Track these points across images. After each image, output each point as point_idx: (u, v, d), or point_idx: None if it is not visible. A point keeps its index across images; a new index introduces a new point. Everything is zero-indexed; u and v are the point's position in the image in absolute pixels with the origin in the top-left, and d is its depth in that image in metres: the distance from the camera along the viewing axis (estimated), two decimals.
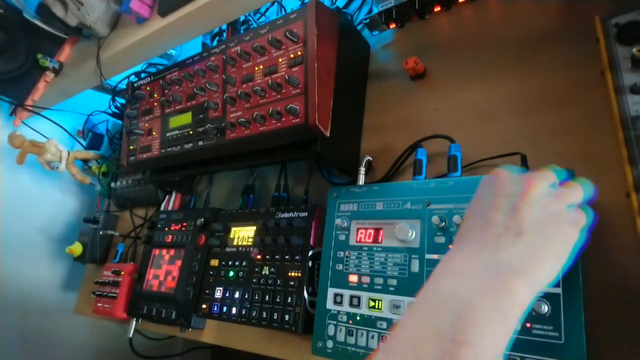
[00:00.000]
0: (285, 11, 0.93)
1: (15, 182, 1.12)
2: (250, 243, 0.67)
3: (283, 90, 0.58)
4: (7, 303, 1.06)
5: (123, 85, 1.07)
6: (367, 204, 0.56)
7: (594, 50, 0.48)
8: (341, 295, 0.53)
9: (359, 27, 0.77)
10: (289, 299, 0.58)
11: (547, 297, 0.40)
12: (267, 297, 0.60)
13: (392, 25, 0.72)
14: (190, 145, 0.70)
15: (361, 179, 0.61)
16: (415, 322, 0.30)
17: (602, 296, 0.42)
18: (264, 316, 0.59)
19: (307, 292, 0.58)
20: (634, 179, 0.40)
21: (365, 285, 0.52)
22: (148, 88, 0.81)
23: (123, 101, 1.14)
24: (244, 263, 0.66)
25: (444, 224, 0.48)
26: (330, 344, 0.52)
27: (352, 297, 0.52)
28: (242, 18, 0.92)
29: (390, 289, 0.50)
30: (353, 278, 0.53)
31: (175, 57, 1.19)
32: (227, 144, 0.64)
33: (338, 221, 0.57)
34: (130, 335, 0.84)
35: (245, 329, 0.69)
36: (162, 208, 0.93)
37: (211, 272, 0.70)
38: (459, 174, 0.52)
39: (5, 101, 1.04)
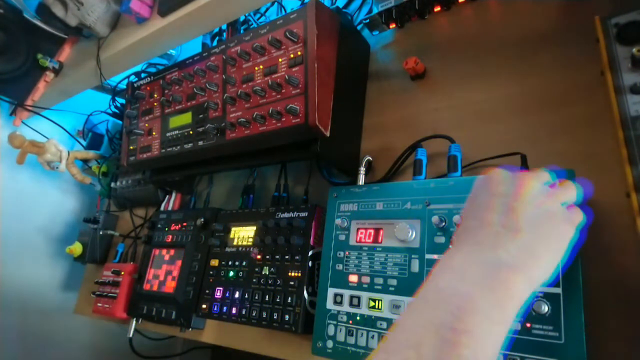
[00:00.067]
0: (285, 11, 0.93)
1: (15, 182, 1.13)
2: (250, 243, 0.67)
3: (283, 90, 0.58)
4: (7, 303, 1.06)
5: (123, 85, 1.07)
6: (367, 204, 0.56)
7: (594, 50, 0.48)
8: (341, 295, 0.53)
9: (359, 27, 0.77)
10: (289, 299, 0.58)
11: (547, 297, 0.40)
12: (267, 297, 0.60)
13: (392, 25, 0.72)
14: (190, 145, 0.70)
15: (361, 179, 0.61)
16: (415, 319, 0.30)
17: (602, 296, 0.42)
18: (264, 316, 0.59)
19: (307, 292, 0.58)
20: (634, 179, 0.40)
21: (365, 285, 0.52)
22: (148, 88, 0.81)
23: (123, 101, 1.14)
24: (244, 263, 0.66)
25: (444, 224, 0.48)
26: (330, 344, 0.52)
27: (352, 297, 0.52)
28: (242, 18, 0.92)
29: (390, 289, 0.50)
30: (353, 278, 0.53)
31: (175, 57, 1.19)
32: (227, 144, 0.64)
33: (338, 221, 0.57)
34: (130, 335, 0.84)
35: (245, 329, 0.69)
36: (162, 208, 0.93)
37: (211, 272, 0.70)
38: (459, 174, 0.52)
39: (5, 101, 1.04)
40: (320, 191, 0.70)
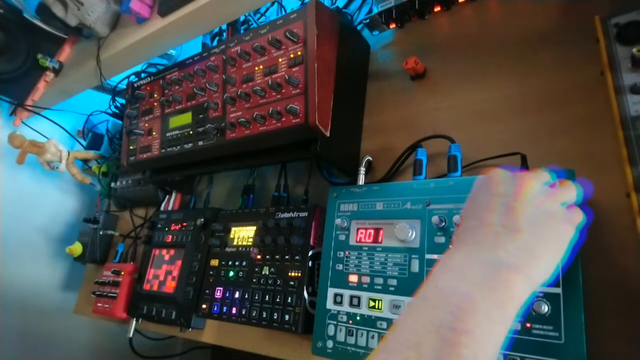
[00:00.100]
0: (285, 11, 0.93)
1: (15, 182, 1.12)
2: (250, 243, 0.67)
3: (283, 90, 0.58)
4: (7, 303, 1.06)
5: (123, 85, 1.07)
6: (367, 204, 0.56)
7: (594, 50, 0.48)
8: (341, 295, 0.53)
9: (359, 27, 0.77)
10: (289, 299, 0.58)
11: (547, 297, 0.40)
12: (267, 297, 0.60)
13: (392, 25, 0.72)
14: (190, 145, 0.70)
15: (361, 179, 0.61)
16: (415, 319, 0.30)
17: (602, 296, 0.42)
18: (264, 316, 0.60)
19: (307, 292, 0.58)
20: (634, 179, 0.40)
21: (365, 285, 0.52)
22: (148, 88, 0.81)
23: (123, 101, 1.14)
24: (244, 263, 0.66)
25: (444, 224, 0.48)
26: (330, 344, 0.52)
27: (352, 297, 0.52)
28: (242, 18, 0.92)
29: (390, 289, 0.50)
30: (353, 278, 0.53)
31: (175, 57, 1.19)
32: (227, 144, 0.64)
33: (338, 221, 0.57)
34: (130, 335, 0.84)
35: (245, 329, 0.69)
36: (162, 208, 0.93)
37: (211, 272, 0.70)
38: (459, 174, 0.52)
39: (5, 101, 1.04)
40: (320, 191, 0.70)
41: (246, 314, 0.62)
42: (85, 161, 1.15)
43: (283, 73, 0.59)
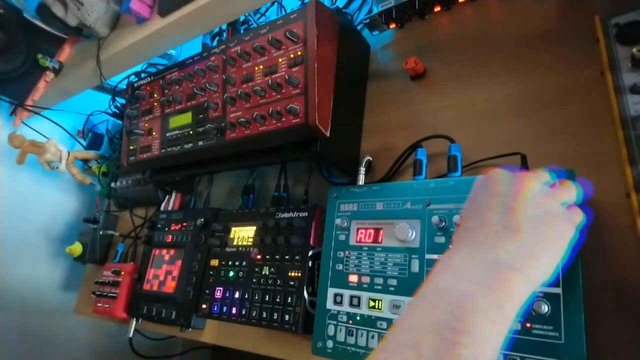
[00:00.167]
0: (285, 11, 0.93)
1: (15, 182, 1.12)
2: (250, 243, 0.67)
3: (283, 90, 0.58)
4: (7, 303, 1.06)
5: (123, 85, 1.07)
6: (367, 204, 0.56)
7: (594, 50, 0.48)
8: (341, 295, 0.53)
9: (359, 27, 0.77)
10: (289, 299, 0.58)
11: (547, 297, 0.40)
12: (267, 297, 0.60)
13: (392, 25, 0.72)
14: (190, 145, 0.70)
15: (361, 179, 0.61)
16: (415, 319, 0.30)
17: (602, 296, 0.42)
18: (264, 316, 0.60)
19: (307, 292, 0.58)
20: (634, 179, 0.40)
21: (365, 285, 0.52)
22: (148, 88, 0.81)
23: (123, 101, 1.14)
24: (244, 263, 0.66)
25: (444, 224, 0.48)
26: (330, 344, 0.52)
27: (352, 297, 0.52)
28: (242, 18, 0.92)
29: (390, 289, 0.50)
30: (353, 278, 0.53)
31: (175, 57, 1.19)
32: (227, 144, 0.64)
33: (338, 221, 0.57)
34: (130, 335, 0.84)
35: (245, 329, 0.69)
36: (162, 208, 0.93)
37: (211, 272, 0.70)
38: (459, 174, 0.52)
39: (5, 101, 1.04)
40: (320, 191, 0.70)
41: (246, 314, 0.62)
42: (85, 161, 1.15)
43: (283, 73, 0.59)
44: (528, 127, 0.53)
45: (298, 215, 0.63)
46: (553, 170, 0.39)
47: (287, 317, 0.57)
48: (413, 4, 0.67)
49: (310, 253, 0.59)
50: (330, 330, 0.52)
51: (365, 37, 0.75)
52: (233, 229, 0.71)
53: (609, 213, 0.44)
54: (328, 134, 0.56)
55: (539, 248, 0.33)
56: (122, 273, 0.89)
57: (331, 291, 0.54)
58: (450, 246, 0.45)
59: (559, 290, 0.39)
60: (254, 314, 0.61)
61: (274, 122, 0.58)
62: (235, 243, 0.69)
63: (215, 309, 0.66)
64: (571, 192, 0.38)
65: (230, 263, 0.68)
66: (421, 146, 0.58)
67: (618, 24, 0.46)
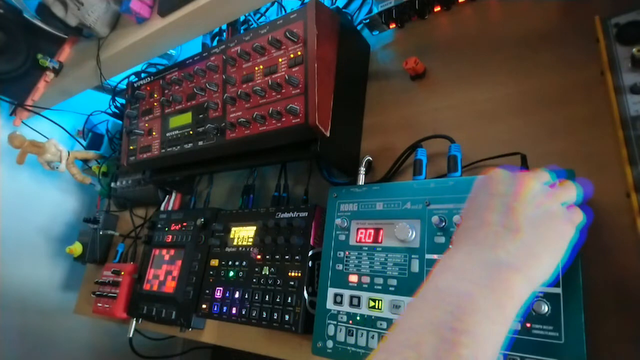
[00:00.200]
0: (285, 11, 0.93)
1: (15, 182, 1.12)
2: (250, 243, 0.67)
3: (283, 90, 0.58)
4: (7, 303, 1.06)
5: (123, 85, 1.07)
6: (367, 204, 0.56)
7: (594, 50, 0.48)
8: (341, 295, 0.53)
9: (359, 27, 0.77)
10: (289, 299, 0.58)
11: (547, 297, 0.40)
12: (267, 297, 0.60)
13: (392, 25, 0.72)
14: (190, 145, 0.70)
15: (361, 179, 0.61)
16: (414, 319, 0.30)
17: (602, 296, 0.42)
18: (264, 316, 0.60)
19: (307, 292, 0.58)
20: (634, 179, 0.40)
21: (365, 285, 0.52)
22: (148, 88, 0.81)
23: (123, 101, 1.14)
24: (244, 263, 0.66)
25: (444, 224, 0.48)
26: (330, 344, 0.52)
27: (352, 297, 0.52)
28: (242, 18, 0.92)
29: (390, 289, 0.50)
30: (353, 278, 0.53)
31: (175, 57, 1.19)
32: (227, 144, 0.64)
33: (338, 221, 0.57)
34: (130, 335, 0.84)
35: (245, 329, 0.69)
36: (162, 208, 0.93)
37: (211, 272, 0.70)
38: (459, 174, 0.52)
39: (5, 101, 1.04)
40: (320, 191, 0.70)
41: (246, 314, 0.62)
42: (85, 161, 1.15)
43: (283, 73, 0.59)
44: (528, 127, 0.53)
45: (298, 215, 0.63)
46: (553, 170, 0.39)
47: (287, 317, 0.57)
48: (413, 4, 0.67)
49: (310, 253, 0.59)
50: (330, 330, 0.52)
51: (365, 37, 0.75)
52: (233, 229, 0.71)
53: (609, 213, 0.44)
54: (328, 134, 0.56)
55: (539, 248, 0.33)
56: (122, 273, 0.89)
57: (331, 291, 0.55)
58: (450, 246, 0.45)
59: (559, 290, 0.39)
60: (254, 314, 0.61)
61: (274, 122, 0.58)
62: (235, 243, 0.69)
63: (215, 309, 0.66)
64: (571, 192, 0.38)
65: (230, 263, 0.68)
66: (421, 146, 0.58)
67: (618, 24, 0.46)
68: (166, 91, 0.77)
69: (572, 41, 0.53)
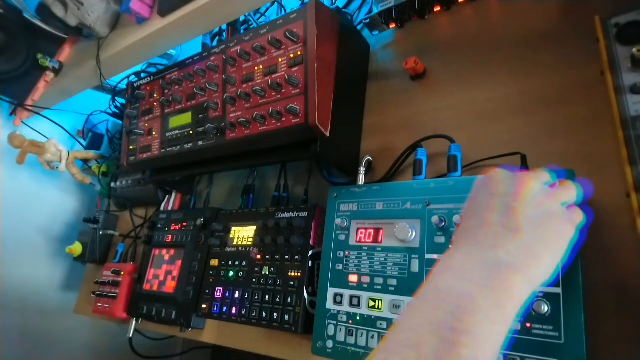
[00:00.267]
0: (285, 11, 0.93)
1: (15, 182, 1.12)
2: (250, 243, 0.67)
3: (283, 90, 0.58)
4: (7, 303, 1.06)
5: (123, 85, 1.07)
6: (367, 204, 0.56)
7: (594, 50, 0.48)
8: (341, 295, 0.53)
9: (359, 27, 0.77)
10: (289, 299, 0.58)
11: (547, 297, 0.40)
12: (267, 297, 0.60)
13: (392, 25, 0.72)
14: (190, 145, 0.70)
15: (361, 179, 0.61)
16: (414, 320, 0.30)
17: (602, 296, 0.42)
18: (264, 316, 0.60)
19: (307, 292, 0.58)
20: (634, 179, 0.40)
21: (365, 285, 0.52)
22: (148, 88, 0.81)
23: (123, 101, 1.14)
24: (244, 263, 0.66)
25: (444, 224, 0.48)
26: (330, 344, 0.52)
27: (352, 297, 0.52)
28: (242, 18, 0.92)
29: (390, 289, 0.50)
30: (353, 278, 0.53)
31: (175, 57, 1.19)
32: (227, 144, 0.64)
33: (338, 221, 0.57)
34: (130, 335, 0.84)
35: (245, 329, 0.69)
36: (162, 208, 0.93)
37: (211, 272, 0.70)
38: (459, 174, 0.52)
39: (5, 101, 1.04)
40: (320, 191, 0.70)
41: (246, 314, 0.62)
42: (85, 161, 1.15)
43: (283, 73, 0.59)
44: (528, 127, 0.53)
45: (298, 215, 0.63)
46: (553, 170, 0.39)
47: (287, 317, 0.57)
48: (413, 4, 0.67)
49: (310, 253, 0.59)
50: (330, 330, 0.52)
51: (365, 37, 0.75)
52: (233, 229, 0.71)
53: (609, 213, 0.44)
54: (328, 134, 0.56)
55: (539, 248, 0.33)
56: (122, 273, 0.89)
57: (331, 291, 0.54)
58: (450, 246, 0.45)
59: (559, 290, 0.39)
60: (254, 314, 0.61)
61: (274, 122, 0.58)
62: (235, 243, 0.69)
63: (215, 309, 0.66)
64: (571, 192, 0.38)
65: (230, 263, 0.68)
66: (421, 146, 0.58)
67: (618, 24, 0.46)
68: (166, 91, 0.77)
69: (572, 41, 0.53)
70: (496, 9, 0.63)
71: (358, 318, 0.51)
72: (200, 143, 0.68)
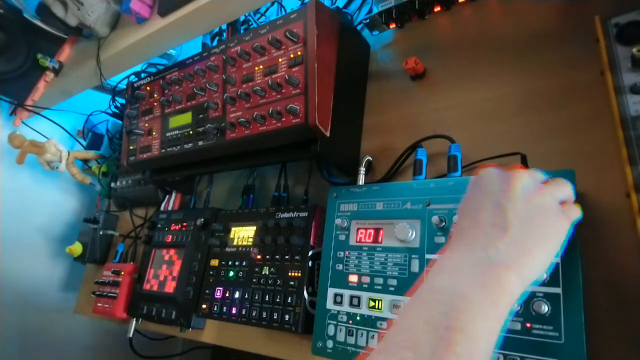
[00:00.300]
0: (285, 11, 0.93)
1: (15, 182, 1.12)
2: (250, 243, 0.67)
3: (283, 90, 0.58)
4: (7, 303, 1.06)
5: (123, 85, 1.07)
6: (367, 204, 0.56)
7: (594, 50, 0.48)
8: (341, 295, 0.53)
9: (359, 27, 0.77)
10: (289, 299, 0.58)
11: (547, 297, 0.40)
12: (267, 297, 0.60)
13: (392, 25, 0.72)
14: (190, 145, 0.70)
15: (361, 179, 0.61)
16: (411, 320, 0.31)
17: (602, 296, 0.42)
18: (264, 316, 0.60)
19: (307, 292, 0.58)
20: (634, 179, 0.40)
21: (365, 285, 0.52)
22: (148, 88, 0.81)
23: (123, 101, 1.14)
24: (244, 263, 0.66)
25: (444, 224, 0.48)
26: (330, 344, 0.52)
27: (352, 297, 0.52)
28: (242, 18, 0.92)
29: (390, 289, 0.50)
30: (353, 278, 0.53)
31: (175, 57, 1.19)
32: (227, 144, 0.64)
33: (338, 221, 0.57)
34: (130, 335, 0.84)
35: (245, 329, 0.69)
36: (162, 208, 0.93)
37: (211, 272, 0.70)
38: (459, 174, 0.52)
39: (5, 101, 1.04)
40: (320, 191, 0.70)
41: (246, 314, 0.62)
42: (85, 161, 1.15)
43: (283, 73, 0.59)
44: (528, 127, 0.53)
45: (298, 215, 0.63)
46: (553, 171, 0.39)
47: (287, 317, 0.57)
48: (413, 4, 0.67)
49: (310, 253, 0.59)
50: (330, 330, 0.52)
51: (365, 37, 0.75)
52: (233, 229, 0.71)
53: (609, 213, 0.44)
54: (328, 134, 0.56)
55: (529, 244, 0.33)
56: (122, 273, 0.89)
57: (331, 291, 0.54)
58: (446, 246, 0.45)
59: (559, 290, 0.39)
60: (254, 314, 0.61)
61: (274, 122, 0.58)
62: (235, 243, 0.69)
63: (215, 309, 0.66)
64: (564, 187, 0.37)
65: (230, 263, 0.68)
66: (421, 146, 0.58)
67: (618, 24, 0.46)
68: (166, 91, 0.77)
69: (572, 41, 0.53)
70: (496, 9, 0.63)
71: (358, 318, 0.51)
72: (200, 143, 0.68)
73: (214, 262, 0.71)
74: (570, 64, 0.53)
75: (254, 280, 0.63)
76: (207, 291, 0.69)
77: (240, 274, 0.66)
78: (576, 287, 0.39)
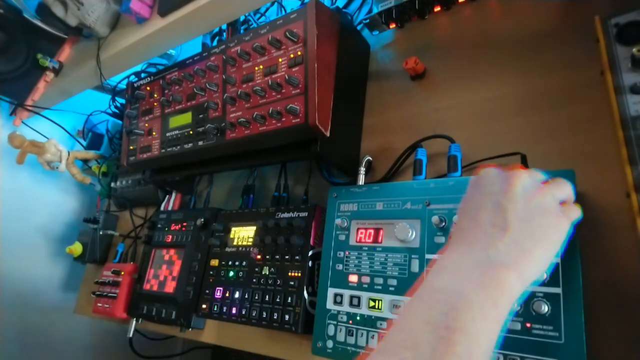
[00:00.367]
0: (285, 11, 0.93)
1: (15, 182, 1.12)
2: (250, 243, 0.67)
3: (283, 90, 0.58)
4: (7, 303, 1.06)
5: (123, 85, 1.07)
6: (367, 204, 0.56)
7: (594, 50, 0.48)
8: (341, 295, 0.53)
9: (359, 27, 0.77)
10: (289, 299, 0.58)
11: (547, 297, 0.40)
12: (267, 297, 0.60)
13: (392, 25, 0.72)
14: (190, 145, 0.70)
15: (361, 179, 0.61)
16: (411, 320, 0.31)
17: (602, 296, 0.42)
18: (264, 316, 0.60)
19: (307, 292, 0.58)
20: (634, 179, 0.40)
21: (365, 285, 0.52)
22: (148, 88, 0.81)
23: (123, 101, 1.14)
24: (244, 263, 0.66)
25: (444, 224, 0.48)
26: (330, 344, 0.52)
27: (352, 297, 0.52)
28: (242, 18, 0.92)
29: (390, 289, 0.50)
30: (353, 278, 0.53)
31: (175, 57, 1.19)
32: (227, 144, 0.64)
33: (338, 221, 0.57)
34: (130, 335, 0.84)
35: (245, 329, 0.69)
36: (162, 208, 0.93)
37: (211, 272, 0.70)
38: (459, 174, 0.52)
39: (5, 101, 1.04)
40: (320, 191, 0.70)
41: (246, 314, 0.62)
42: (85, 161, 1.15)
43: (283, 73, 0.59)
44: (528, 127, 0.53)
45: (298, 215, 0.63)
46: (552, 171, 0.39)
47: (287, 317, 0.57)
48: (413, 4, 0.67)
49: (310, 253, 0.59)
50: (330, 330, 0.52)
51: (365, 37, 0.75)
52: (233, 229, 0.71)
53: (609, 213, 0.44)
54: (328, 134, 0.56)
55: (529, 244, 0.33)
56: (122, 273, 0.89)
57: (331, 291, 0.54)
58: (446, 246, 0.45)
59: (559, 290, 0.39)
60: (254, 314, 0.61)
61: (274, 122, 0.58)
62: (235, 243, 0.69)
63: (215, 309, 0.66)
64: (564, 187, 0.38)
65: (230, 263, 0.68)
66: (421, 146, 0.58)
67: (618, 24, 0.45)
68: (166, 91, 0.77)
69: (572, 41, 0.53)
70: (496, 9, 0.63)
71: (358, 318, 0.51)
72: (200, 143, 0.68)
73: (214, 262, 0.71)
74: (570, 64, 0.53)
75: (254, 280, 0.63)
76: (207, 291, 0.69)
77: (240, 274, 0.66)
78: (576, 287, 0.39)
